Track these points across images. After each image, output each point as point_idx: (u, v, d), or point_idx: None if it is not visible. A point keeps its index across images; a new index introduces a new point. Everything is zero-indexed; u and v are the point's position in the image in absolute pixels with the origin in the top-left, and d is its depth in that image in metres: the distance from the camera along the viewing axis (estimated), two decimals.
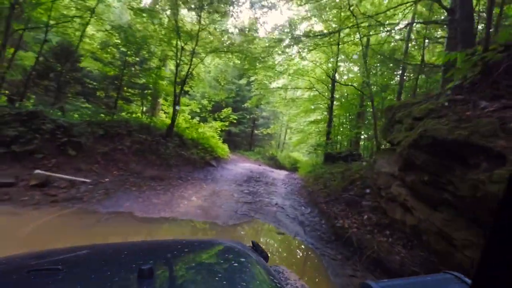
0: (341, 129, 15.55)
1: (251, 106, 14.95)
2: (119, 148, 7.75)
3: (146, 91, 11.32)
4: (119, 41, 9.65)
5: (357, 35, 11.63)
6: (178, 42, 9.43)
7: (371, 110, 15.19)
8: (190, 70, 10.35)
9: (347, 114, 14.82)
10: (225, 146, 14.75)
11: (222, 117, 14.44)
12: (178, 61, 9.61)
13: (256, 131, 22.42)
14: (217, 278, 1.03)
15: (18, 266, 1.07)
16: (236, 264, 1.21)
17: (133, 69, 10.57)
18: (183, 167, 8.94)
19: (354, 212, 5.44)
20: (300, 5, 11.26)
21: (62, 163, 6.35)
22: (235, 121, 15.28)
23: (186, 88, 13.53)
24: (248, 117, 20.31)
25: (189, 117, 11.99)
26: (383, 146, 6.62)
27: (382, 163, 4.59)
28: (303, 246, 4.75)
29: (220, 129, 14.41)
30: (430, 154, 2.89)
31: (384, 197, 4.24)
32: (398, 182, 3.77)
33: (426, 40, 10.80)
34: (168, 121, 10.47)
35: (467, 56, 2.69)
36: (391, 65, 12.53)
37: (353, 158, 11.37)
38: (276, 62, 12.67)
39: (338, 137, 15.58)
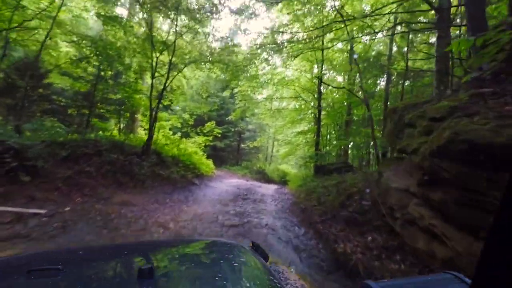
0: (329, 139, 15.15)
1: (235, 119, 14.33)
2: (85, 171, 6.80)
3: (122, 107, 10.49)
4: (90, 54, 8.87)
5: (342, 40, 11.46)
6: (153, 53, 8.74)
7: (359, 117, 14.95)
8: (168, 83, 9.64)
9: (335, 124, 14.48)
10: (210, 162, 13.91)
11: (205, 131, 13.68)
12: (153, 73, 8.89)
13: (242, 145, 21.71)
14: (217, 278, 1.02)
15: (18, 266, 1.10)
16: (236, 264, 1.21)
17: (107, 83, 9.75)
18: (160, 188, 8.04)
19: (355, 232, 4.75)
20: (282, 13, 10.97)
21: (11, 192, 5.36)
22: (219, 135, 14.54)
23: (166, 102, 12.78)
24: (233, 130, 19.63)
25: (170, 132, 11.16)
26: (388, 154, 6.04)
27: (389, 176, 3.95)
28: (299, 279, 3.97)
29: (204, 144, 13.62)
30: (466, 164, 2.25)
31: (399, 219, 3.52)
32: (417, 200, 3.08)
33: (410, 44, 10.68)
34: (146, 137, 9.61)
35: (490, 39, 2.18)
36: (374, 72, 12.33)
37: (346, 169, 10.85)
38: (259, 72, 12.20)
39: (327, 147, 15.13)
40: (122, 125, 11.72)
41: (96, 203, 6.02)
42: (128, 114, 11.60)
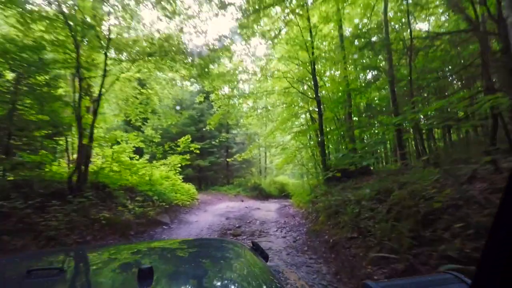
0: (330, 137, 12.47)
1: (214, 126, 11.45)
2: None
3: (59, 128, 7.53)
4: None
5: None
6: (76, 39, 5.97)
7: (359, 106, 12.46)
8: (107, 86, 6.87)
9: (335, 117, 11.84)
10: (190, 187, 10.95)
11: (180, 148, 10.79)
12: (78, 69, 6.08)
13: (230, 160, 18.88)
14: (217, 278, 1.02)
15: (18, 266, 1.09)
16: (236, 264, 1.22)
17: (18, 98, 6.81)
18: (100, 240, 5.06)
19: None
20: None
21: None
22: (197, 152, 11.65)
23: (120, 118, 9.91)
24: (216, 143, 16.77)
25: (126, 156, 8.18)
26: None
27: None
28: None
29: (180, 165, 10.68)
30: None
31: None
32: None
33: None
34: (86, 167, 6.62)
35: None
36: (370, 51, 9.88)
37: (360, 172, 8.22)
38: (236, 62, 9.64)
39: (330, 145, 12.41)
40: (71, 154, 8.64)
41: None
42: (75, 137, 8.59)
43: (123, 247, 1.46)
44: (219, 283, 0.99)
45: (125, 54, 7.48)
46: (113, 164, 7.47)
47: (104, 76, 6.60)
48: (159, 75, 9.43)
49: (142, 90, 9.38)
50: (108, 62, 6.72)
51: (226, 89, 11.76)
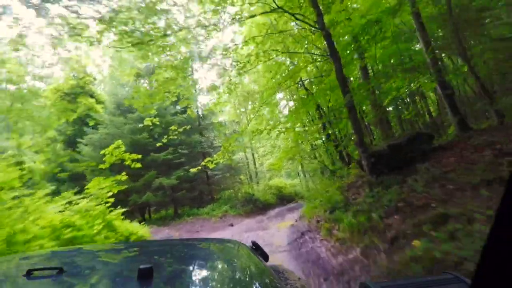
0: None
1: (159, 100, 6.79)
2: None
3: None
4: None
5: None
6: None
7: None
8: None
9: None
10: (135, 228, 6.47)
11: (106, 165, 6.28)
12: None
13: (211, 166, 14.40)
14: (217, 278, 1.01)
15: (18, 266, 1.09)
16: (236, 264, 1.21)
17: None
18: None
19: None
20: None
21: None
22: (140, 166, 7.07)
23: None
24: (182, 150, 12.26)
25: None
26: None
27: None
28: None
29: (110, 193, 6.16)
30: None
31: None
32: None
33: None
34: None
35: None
36: None
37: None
38: None
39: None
40: None
41: None
42: None
43: (123, 247, 1.46)
44: (219, 283, 0.96)
45: None
46: None
47: None
48: None
49: None
50: None
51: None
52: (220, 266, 1.14)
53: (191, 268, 1.10)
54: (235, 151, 17.48)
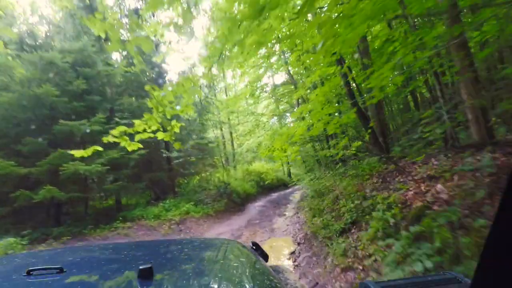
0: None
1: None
2: None
3: None
4: None
5: None
6: None
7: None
8: None
9: None
10: None
11: None
12: None
13: (170, 153, 10.47)
14: (217, 278, 0.98)
15: (18, 266, 1.06)
16: (236, 264, 1.17)
17: None
18: None
19: None
20: None
21: None
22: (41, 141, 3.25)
23: None
24: (118, 117, 8.22)
25: None
26: None
27: None
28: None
29: None
30: None
31: None
32: None
33: None
34: None
35: None
36: None
37: None
38: None
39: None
40: None
41: None
42: None
43: (123, 247, 1.43)
44: (219, 283, 0.94)
45: None
46: None
47: None
48: None
49: None
50: None
51: None
52: (220, 266, 1.12)
53: (191, 268, 1.09)
54: (206, 127, 13.55)
